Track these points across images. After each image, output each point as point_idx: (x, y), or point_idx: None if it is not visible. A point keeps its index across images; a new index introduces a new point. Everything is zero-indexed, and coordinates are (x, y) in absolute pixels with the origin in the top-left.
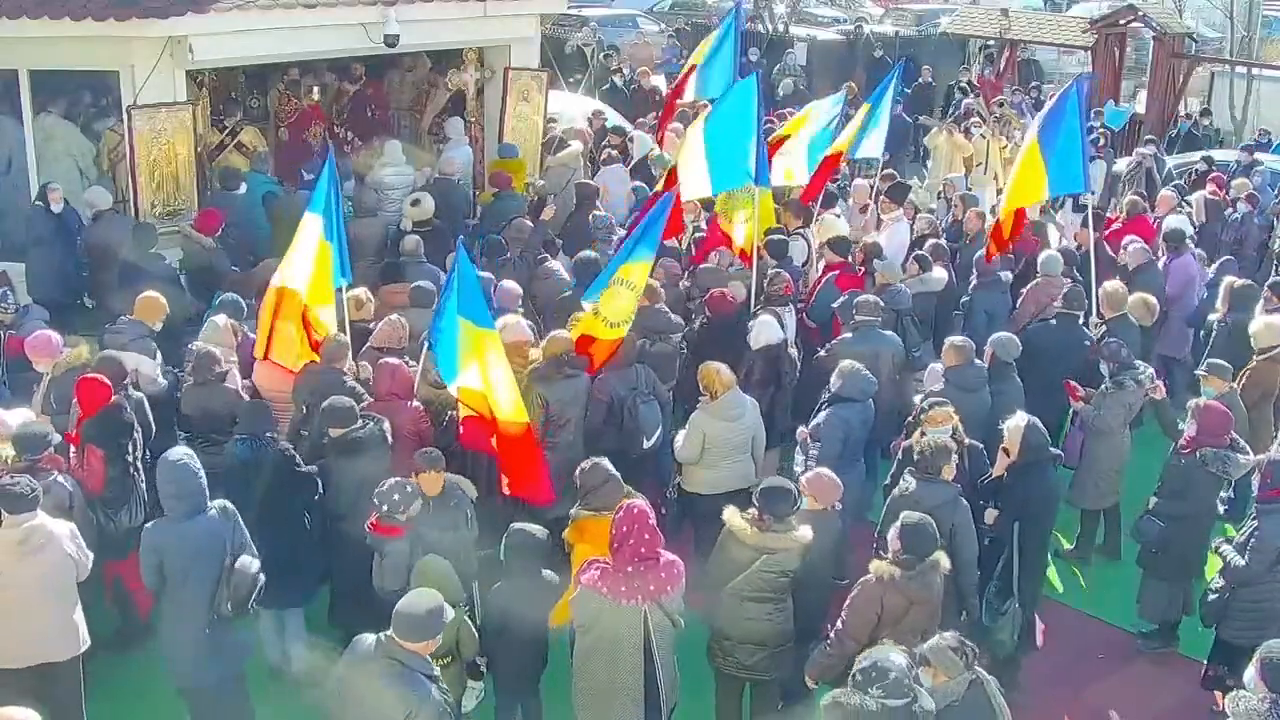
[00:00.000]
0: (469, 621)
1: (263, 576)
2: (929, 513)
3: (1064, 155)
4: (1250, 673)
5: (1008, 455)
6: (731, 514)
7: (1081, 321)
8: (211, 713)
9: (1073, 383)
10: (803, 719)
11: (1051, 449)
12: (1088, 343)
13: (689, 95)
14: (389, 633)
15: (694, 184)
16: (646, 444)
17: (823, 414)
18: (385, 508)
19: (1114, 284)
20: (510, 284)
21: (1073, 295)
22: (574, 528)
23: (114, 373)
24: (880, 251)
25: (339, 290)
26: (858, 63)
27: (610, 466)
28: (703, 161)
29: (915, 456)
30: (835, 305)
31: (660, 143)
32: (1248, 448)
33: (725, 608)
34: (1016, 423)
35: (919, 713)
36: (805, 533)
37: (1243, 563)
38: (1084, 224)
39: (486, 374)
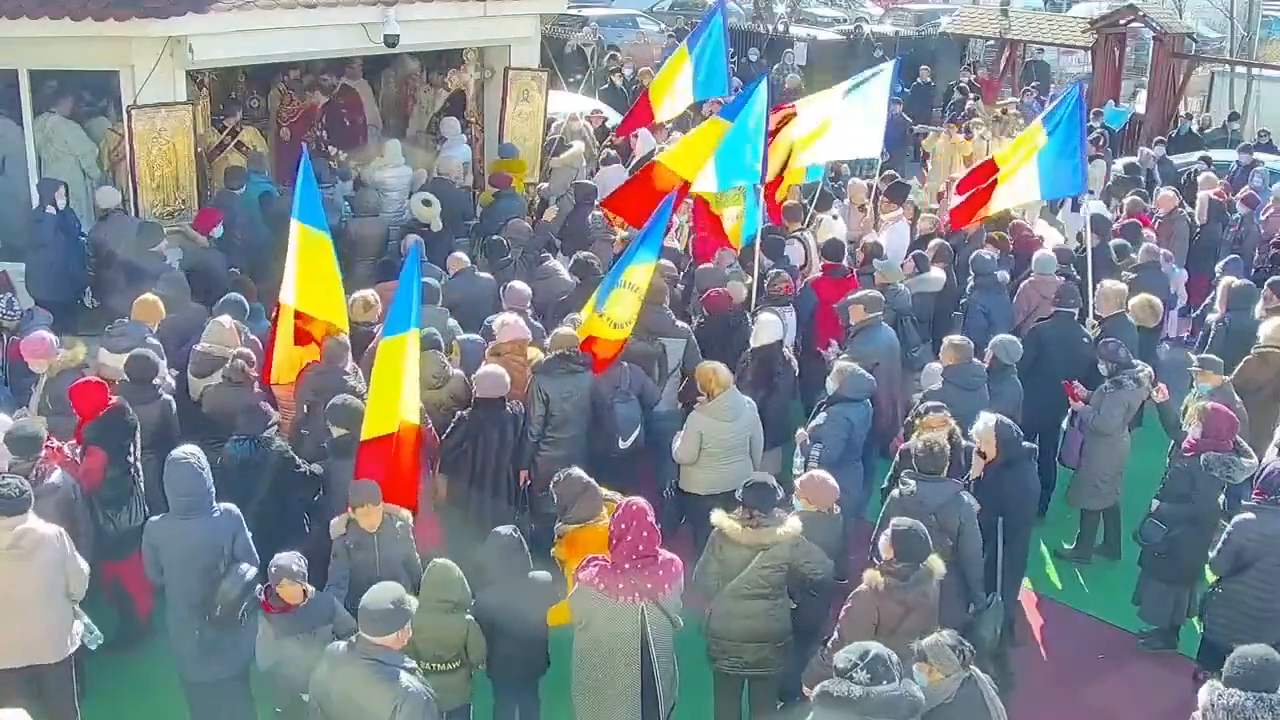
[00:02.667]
0: (477, 625)
1: (259, 586)
2: (934, 512)
3: (1063, 158)
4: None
5: (984, 457)
6: (720, 516)
7: (1077, 319)
8: (211, 710)
9: (1073, 383)
10: (801, 717)
11: (1026, 444)
12: (1086, 339)
13: (682, 102)
14: (358, 633)
15: (699, 181)
16: (623, 444)
17: (823, 415)
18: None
19: (1112, 283)
20: (519, 285)
21: (1066, 292)
22: (562, 544)
23: (145, 372)
24: (880, 251)
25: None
26: (858, 63)
27: (584, 475)
28: (710, 159)
29: (914, 457)
30: (836, 305)
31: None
32: (1251, 451)
33: (724, 607)
34: (985, 424)
35: (906, 698)
36: (794, 524)
37: (1213, 554)
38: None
39: (403, 379)
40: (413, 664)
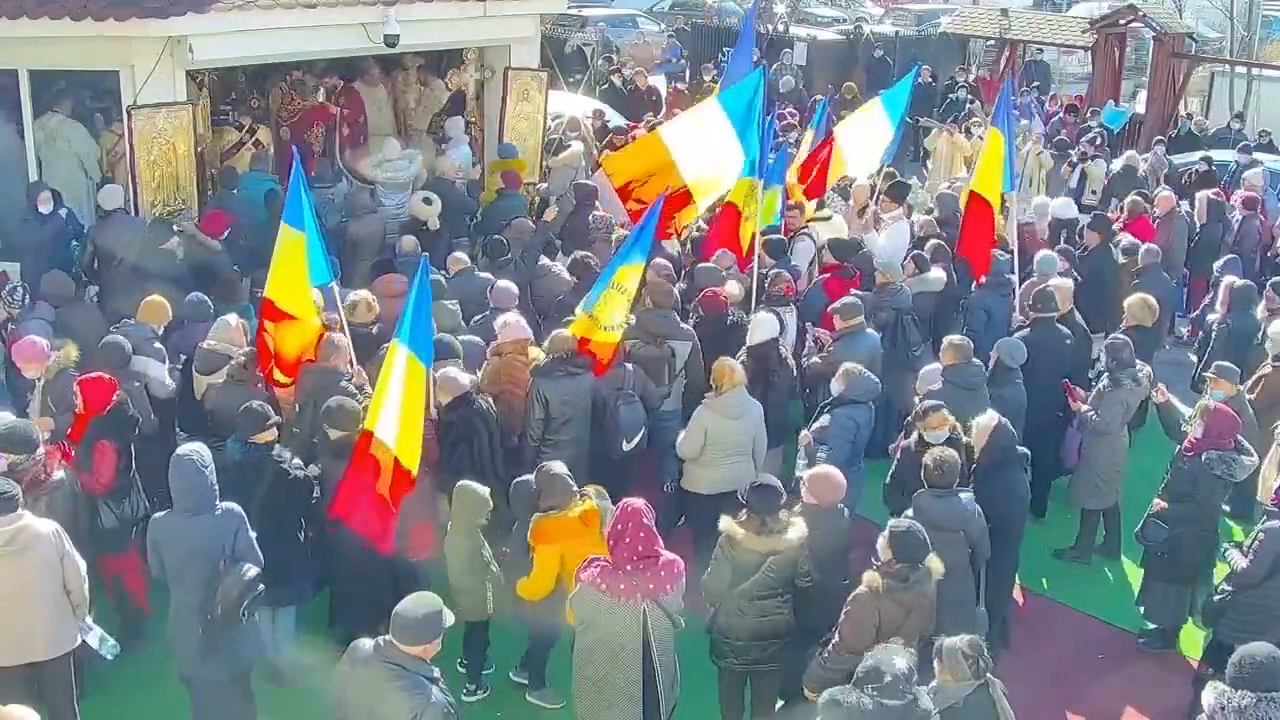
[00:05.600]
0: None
1: (260, 585)
2: (962, 528)
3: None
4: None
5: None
6: (728, 523)
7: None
8: (211, 708)
9: (1072, 385)
10: (803, 713)
11: (1019, 449)
12: (1068, 340)
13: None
14: (388, 637)
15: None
16: (626, 446)
17: (827, 417)
18: None
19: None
20: (505, 283)
21: (1044, 297)
22: (533, 531)
23: (118, 359)
24: (870, 260)
25: (326, 288)
26: (857, 63)
27: (558, 468)
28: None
29: (927, 470)
30: (831, 309)
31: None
32: (1251, 449)
33: (734, 609)
34: (986, 421)
35: (917, 713)
36: (801, 527)
37: (1244, 565)
38: (1092, 225)
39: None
40: (436, 673)
